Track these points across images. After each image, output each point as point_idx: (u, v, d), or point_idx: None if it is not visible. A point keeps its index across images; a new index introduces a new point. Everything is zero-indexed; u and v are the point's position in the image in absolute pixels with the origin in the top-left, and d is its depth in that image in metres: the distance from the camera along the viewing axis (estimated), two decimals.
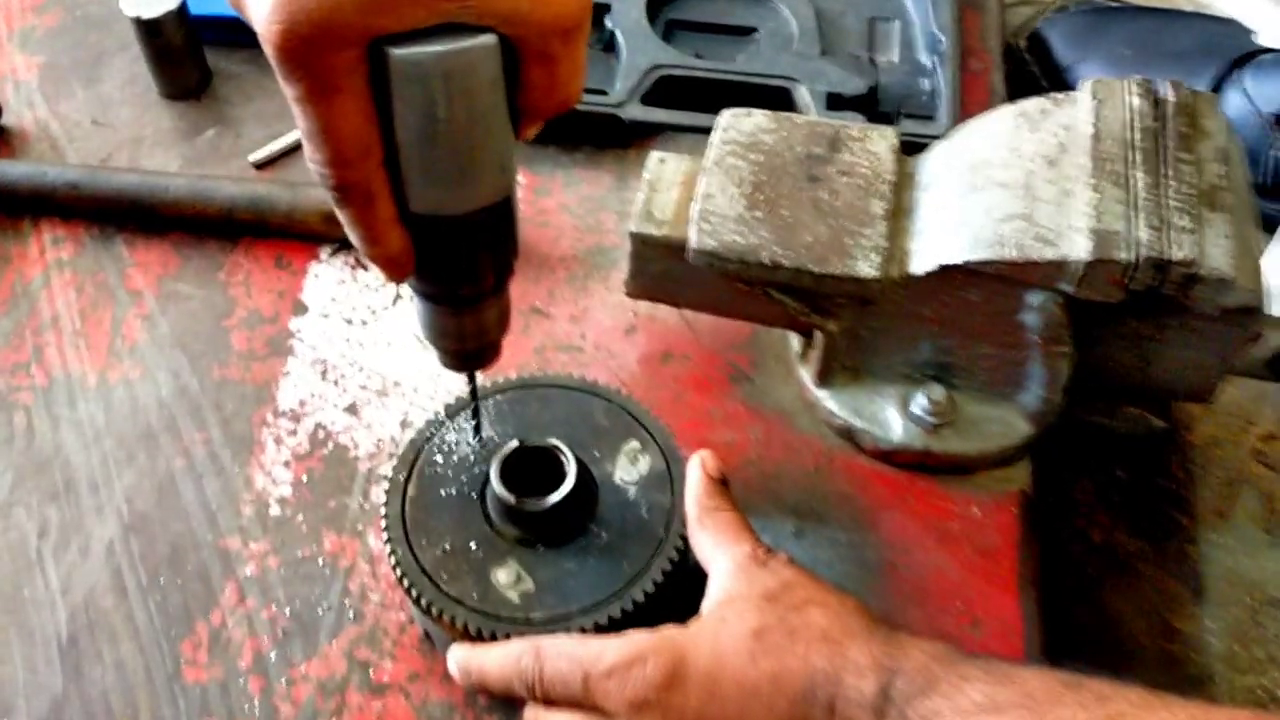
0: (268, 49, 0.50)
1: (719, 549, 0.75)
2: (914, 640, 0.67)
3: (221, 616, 0.82)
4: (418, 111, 0.53)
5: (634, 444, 0.82)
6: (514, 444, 0.79)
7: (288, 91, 0.52)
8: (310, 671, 0.80)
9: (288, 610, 0.82)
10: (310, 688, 0.79)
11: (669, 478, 0.80)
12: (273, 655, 0.80)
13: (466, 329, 0.68)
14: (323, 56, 0.50)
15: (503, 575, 0.77)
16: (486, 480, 0.78)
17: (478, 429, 0.80)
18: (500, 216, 0.61)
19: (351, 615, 0.82)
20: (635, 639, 0.69)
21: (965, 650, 0.67)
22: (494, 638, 0.74)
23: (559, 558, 0.77)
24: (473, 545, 0.78)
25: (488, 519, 0.79)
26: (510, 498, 0.76)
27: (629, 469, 0.81)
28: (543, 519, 0.77)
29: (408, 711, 0.78)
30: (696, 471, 0.79)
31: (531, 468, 0.79)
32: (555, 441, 0.79)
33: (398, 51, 0.51)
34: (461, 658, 0.75)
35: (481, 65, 0.53)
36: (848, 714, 0.65)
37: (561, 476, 0.77)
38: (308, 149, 0.54)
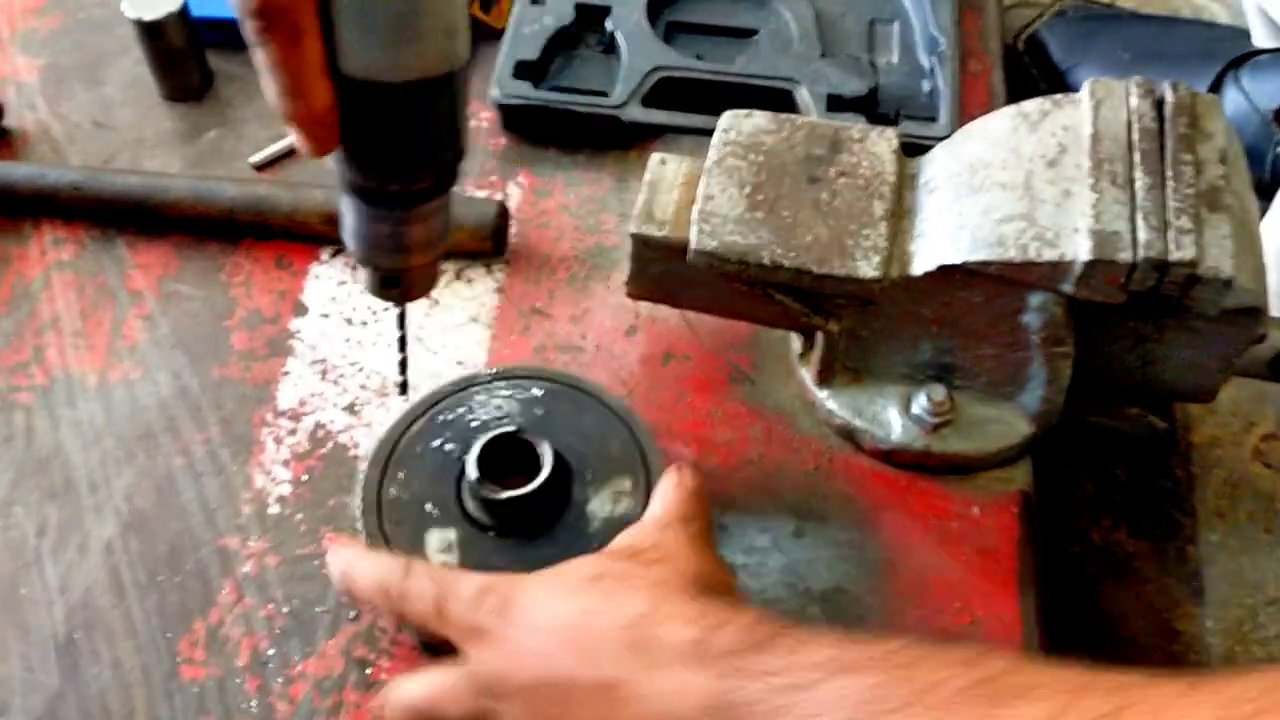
0: None
1: (652, 500, 0.76)
2: (758, 609, 0.64)
3: (219, 615, 0.82)
4: None
5: (626, 484, 0.81)
6: (510, 429, 0.80)
7: None
8: (308, 670, 0.80)
9: (286, 609, 0.82)
10: (308, 686, 0.79)
11: None
12: (270, 654, 0.80)
13: (399, 239, 0.60)
14: None
15: (435, 540, 0.78)
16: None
17: (403, 370, 0.77)
18: (443, 95, 0.53)
19: (349, 614, 0.82)
20: (492, 575, 0.69)
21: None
22: None
23: (495, 551, 0.78)
24: (429, 505, 0.80)
25: (457, 485, 0.80)
26: (473, 474, 0.77)
27: (606, 505, 0.80)
28: (491, 507, 0.78)
29: None
30: (673, 474, 0.78)
31: (516, 459, 0.79)
32: (547, 447, 0.79)
33: None
34: (341, 558, 0.75)
35: None
36: (654, 660, 0.61)
37: (532, 479, 0.77)
38: None
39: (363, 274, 0.64)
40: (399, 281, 0.64)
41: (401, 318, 0.73)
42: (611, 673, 0.62)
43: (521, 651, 0.65)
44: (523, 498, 0.78)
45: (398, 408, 0.87)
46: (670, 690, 0.60)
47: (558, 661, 0.64)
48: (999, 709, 0.51)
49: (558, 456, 0.80)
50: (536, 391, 0.86)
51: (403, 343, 0.74)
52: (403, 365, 0.76)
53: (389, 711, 0.71)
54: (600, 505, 0.80)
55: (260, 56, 0.51)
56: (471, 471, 0.78)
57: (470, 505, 0.80)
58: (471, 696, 0.67)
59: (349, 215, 0.60)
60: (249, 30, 0.50)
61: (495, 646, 0.67)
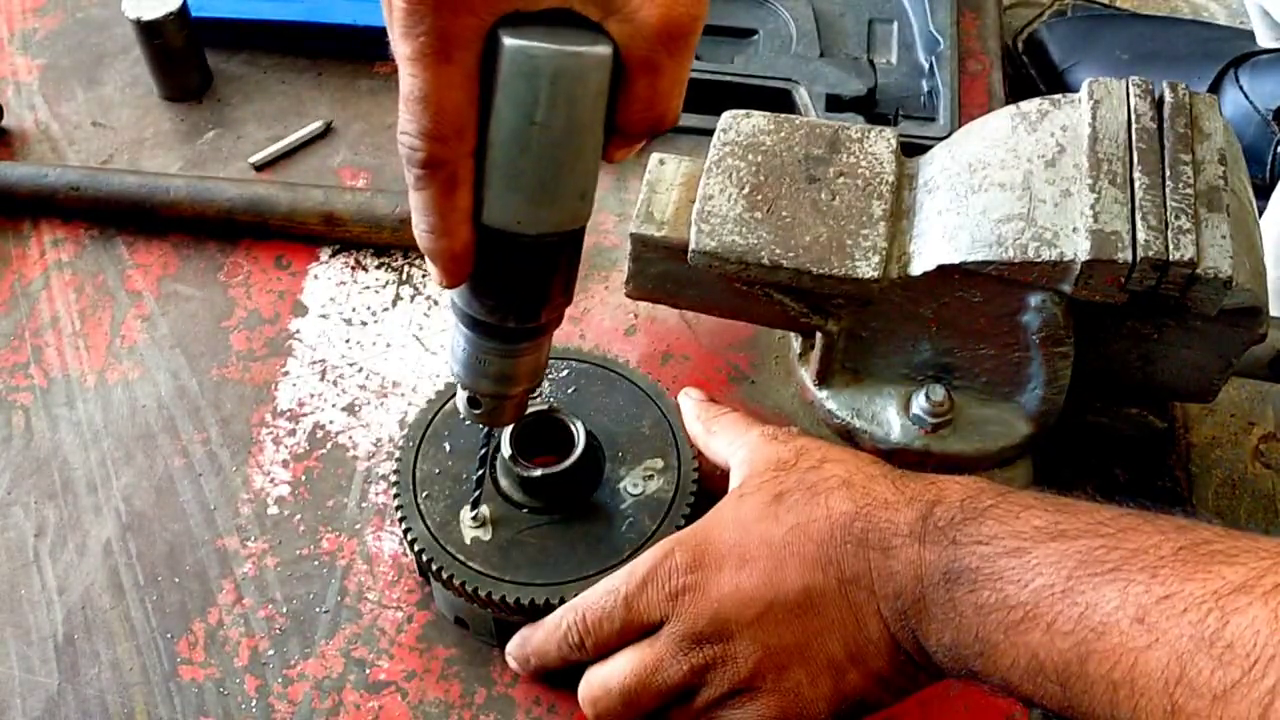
0: (388, 9, 0.51)
1: (732, 444, 0.76)
2: (948, 477, 0.66)
3: (219, 615, 0.82)
4: (518, 109, 0.53)
5: (658, 463, 0.82)
6: (544, 408, 0.81)
7: (399, 50, 0.52)
8: (307, 670, 0.80)
9: (285, 609, 0.82)
10: (307, 686, 0.79)
11: (667, 509, 0.80)
12: (269, 654, 0.80)
13: (505, 371, 0.65)
14: (446, 18, 0.51)
15: (469, 515, 0.78)
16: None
17: (479, 485, 0.79)
18: (569, 248, 0.59)
19: (348, 614, 0.82)
20: (659, 543, 0.70)
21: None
22: (417, 549, 0.77)
23: (528, 527, 0.79)
24: (464, 476, 0.80)
25: (491, 462, 0.81)
26: (508, 452, 0.78)
27: (639, 483, 0.81)
28: (526, 484, 0.79)
29: (404, 710, 0.78)
30: (688, 399, 0.83)
31: (550, 438, 0.80)
32: (580, 426, 0.80)
33: (512, 40, 0.51)
34: (513, 648, 0.76)
35: (592, 74, 0.52)
36: (883, 544, 0.64)
37: (565, 457, 0.79)
38: (404, 118, 0.54)
39: (459, 396, 0.69)
40: (490, 407, 0.68)
41: (487, 438, 0.76)
42: (853, 568, 0.64)
43: (740, 587, 0.66)
44: (556, 475, 0.78)
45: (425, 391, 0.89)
46: (904, 568, 0.63)
47: (787, 579, 0.65)
48: (1202, 571, 0.54)
49: (590, 435, 0.80)
50: (566, 371, 0.87)
51: (483, 460, 0.78)
52: (479, 481, 0.78)
53: (593, 706, 0.71)
54: (632, 483, 0.81)
55: (415, 199, 0.57)
56: (506, 449, 0.78)
57: (504, 482, 0.80)
58: (688, 656, 0.67)
59: (458, 342, 0.65)
60: (410, 176, 0.56)
61: (702, 598, 0.67)
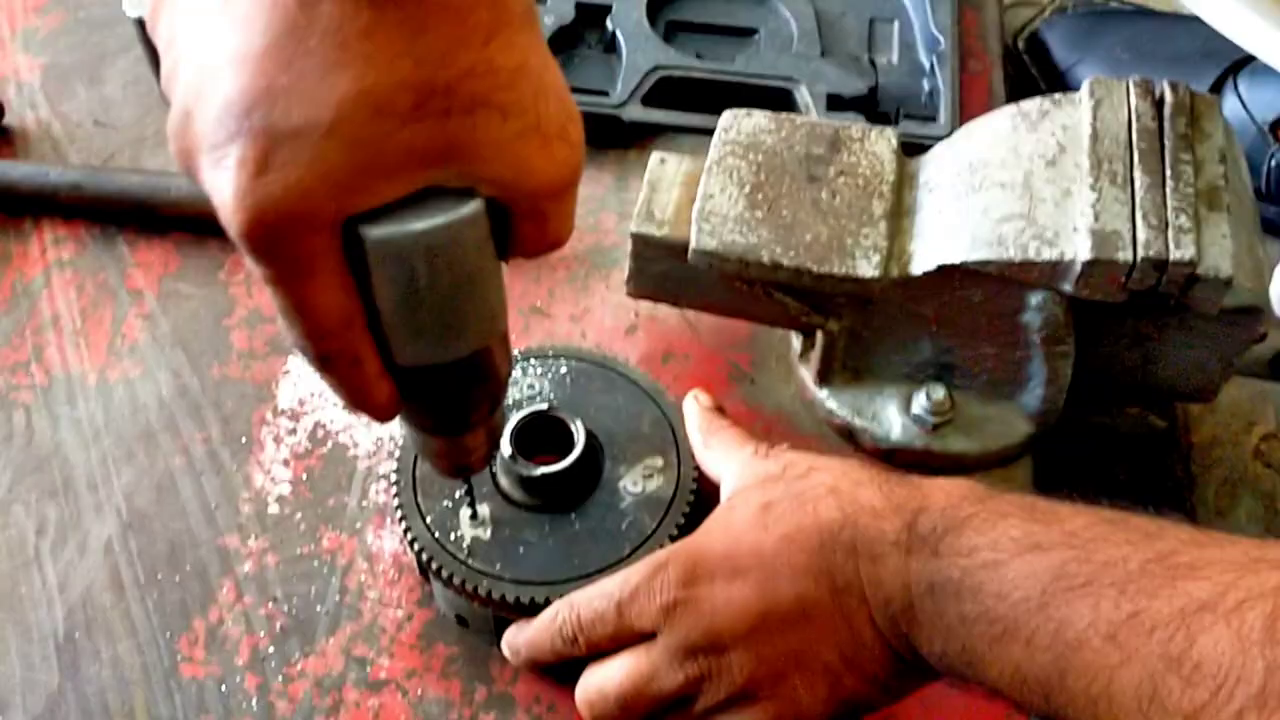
0: (233, 235, 0.46)
1: (724, 461, 0.76)
2: (933, 481, 0.66)
3: (219, 614, 0.82)
4: (398, 285, 0.50)
5: (658, 462, 0.82)
6: (543, 407, 0.81)
7: (257, 273, 0.48)
8: (307, 668, 0.80)
9: (285, 607, 0.82)
10: (307, 684, 0.79)
11: (667, 508, 0.80)
12: (270, 652, 0.80)
13: (455, 450, 0.65)
14: (293, 243, 0.46)
15: (467, 514, 0.78)
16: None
17: (474, 514, 0.79)
18: (490, 354, 0.57)
19: (349, 613, 0.82)
20: (652, 556, 0.70)
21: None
22: (416, 548, 0.77)
23: (527, 525, 0.79)
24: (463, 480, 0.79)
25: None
26: (507, 451, 0.78)
27: (639, 482, 0.81)
28: (525, 483, 0.79)
29: (405, 708, 0.78)
30: (694, 404, 0.82)
31: (549, 436, 0.80)
32: (579, 425, 0.80)
33: (374, 232, 0.48)
34: (508, 638, 0.76)
35: (465, 235, 0.49)
36: (871, 552, 0.63)
37: (564, 456, 0.79)
38: (283, 325, 0.51)
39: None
40: (455, 472, 0.68)
41: (469, 489, 0.77)
42: (844, 576, 0.64)
43: (733, 600, 0.66)
44: (556, 474, 0.78)
45: None
46: (892, 577, 0.63)
47: (779, 590, 0.65)
48: (1168, 587, 0.54)
49: (590, 434, 0.80)
50: (565, 370, 0.86)
51: (471, 499, 0.78)
52: (472, 502, 0.79)
53: (589, 709, 0.70)
54: (632, 481, 0.81)
55: (324, 380, 0.54)
56: (505, 448, 0.78)
57: (504, 481, 0.80)
58: (683, 667, 0.67)
59: (410, 434, 0.65)
60: (311, 366, 0.54)
61: (695, 612, 0.66)
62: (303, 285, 0.48)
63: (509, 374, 0.62)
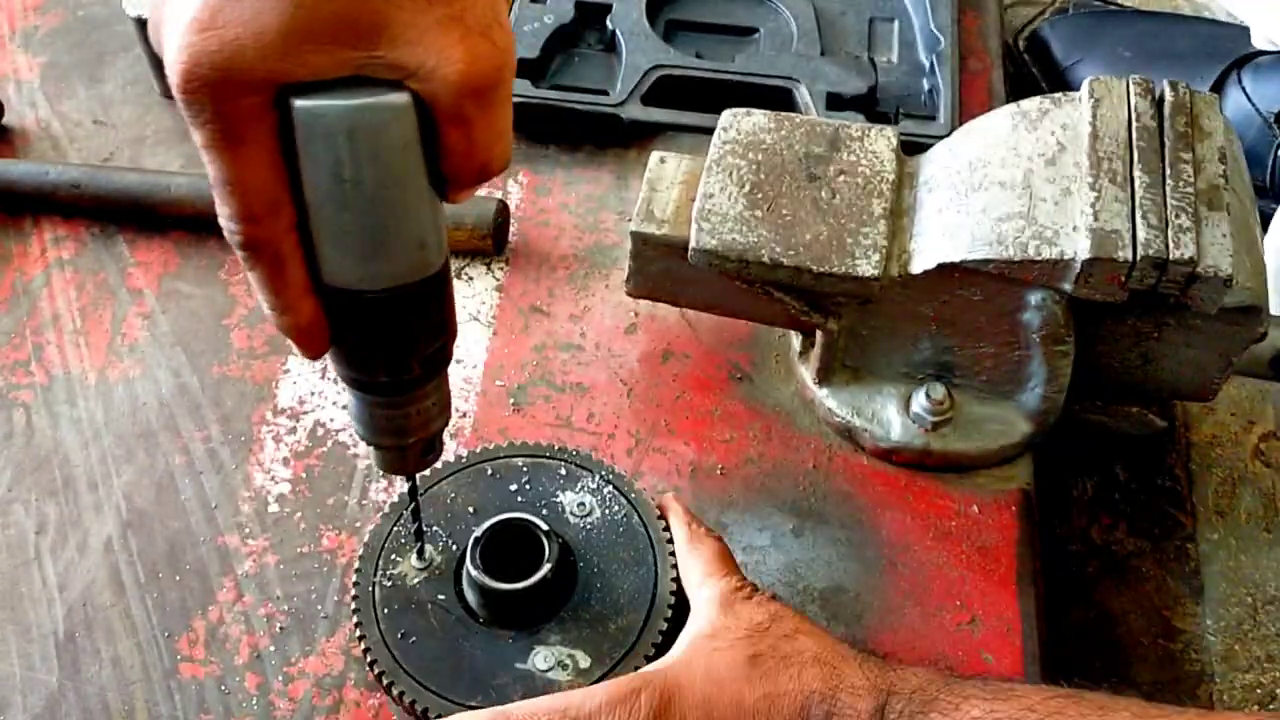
0: (174, 90, 0.49)
1: (706, 579, 0.75)
2: (907, 666, 0.68)
3: (219, 613, 0.82)
4: (324, 170, 0.51)
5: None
6: (509, 516, 0.78)
7: (195, 138, 0.50)
8: (307, 668, 0.80)
9: (285, 607, 0.82)
10: (307, 684, 0.79)
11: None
12: (270, 651, 0.80)
13: (397, 422, 0.63)
14: (226, 101, 0.48)
15: (415, 561, 0.78)
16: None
17: (419, 537, 0.77)
18: (423, 298, 0.56)
19: (348, 612, 0.82)
20: (621, 679, 0.68)
21: (961, 670, 0.70)
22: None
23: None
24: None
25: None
26: (477, 573, 0.75)
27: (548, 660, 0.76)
28: (488, 597, 0.76)
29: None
30: (678, 505, 0.80)
31: (518, 543, 0.78)
32: (544, 572, 0.76)
33: (301, 102, 0.49)
34: None
35: (392, 124, 0.50)
36: None
37: (534, 567, 0.76)
38: (216, 201, 0.52)
39: (371, 453, 0.68)
40: (391, 457, 0.67)
41: (413, 490, 0.75)
42: None
43: None
44: (521, 591, 0.75)
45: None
46: None
47: None
48: None
49: (562, 547, 0.78)
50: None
51: (417, 518, 0.76)
52: (419, 533, 0.77)
53: None
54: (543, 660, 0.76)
55: (250, 278, 0.55)
56: (479, 577, 0.75)
57: (469, 595, 0.78)
58: None
59: (350, 401, 0.64)
60: (239, 258, 0.54)
61: None
62: (234, 152, 0.50)
63: (448, 340, 0.60)
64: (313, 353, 0.58)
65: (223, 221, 0.52)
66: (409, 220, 0.53)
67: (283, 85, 0.49)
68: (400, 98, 0.50)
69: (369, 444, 0.66)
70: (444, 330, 0.60)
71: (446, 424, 0.66)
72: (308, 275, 0.55)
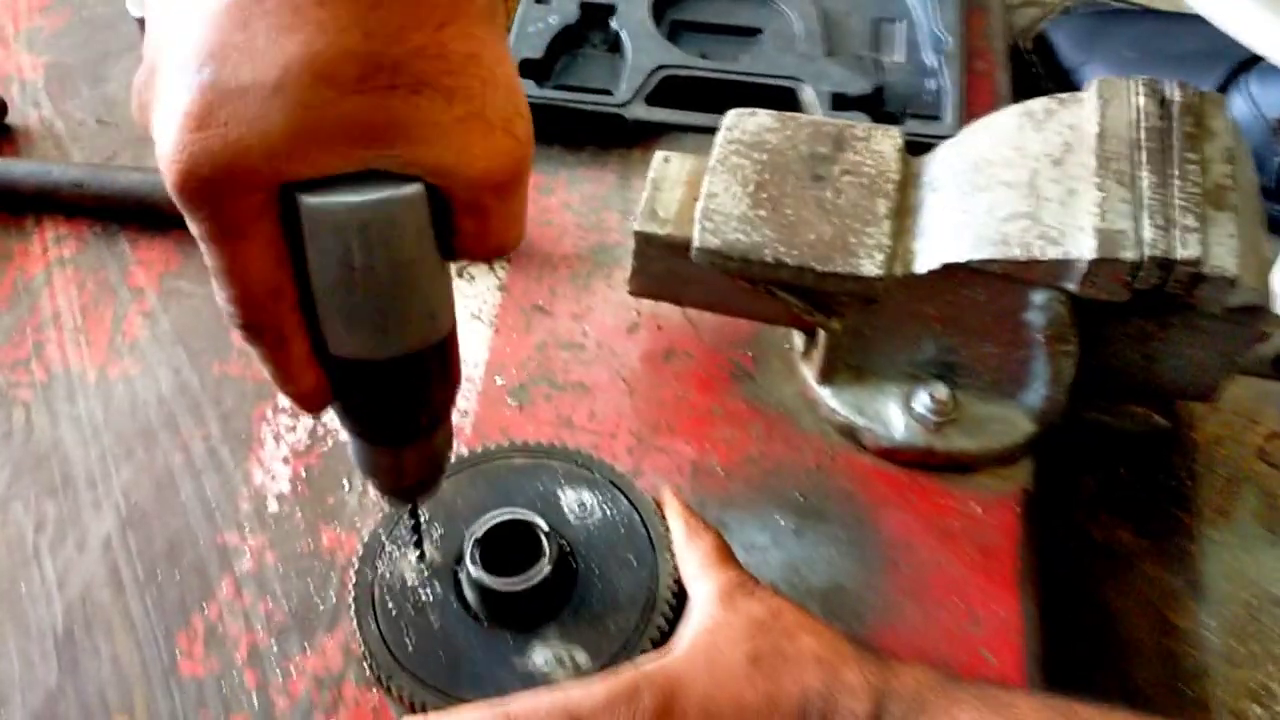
0: (168, 186, 0.46)
1: (705, 572, 0.75)
2: (905, 665, 0.68)
3: (218, 611, 0.82)
4: (332, 261, 0.49)
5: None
6: (508, 515, 0.77)
7: (192, 229, 0.48)
8: (307, 665, 0.79)
9: (285, 605, 0.82)
10: (307, 681, 0.79)
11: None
12: (269, 649, 0.80)
13: (399, 466, 0.62)
14: (226, 201, 0.46)
15: (413, 558, 0.77)
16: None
17: (419, 542, 0.77)
18: (431, 361, 0.55)
19: (348, 609, 0.81)
20: (621, 674, 0.67)
21: (959, 674, 0.68)
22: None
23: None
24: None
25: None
26: (474, 571, 0.75)
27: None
28: (487, 596, 0.76)
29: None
30: (675, 499, 0.80)
31: (517, 542, 0.77)
32: (552, 541, 0.76)
33: (310, 200, 0.47)
34: None
35: (404, 216, 0.48)
36: None
37: (533, 562, 0.75)
38: (215, 286, 0.50)
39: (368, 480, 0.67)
40: (401, 493, 0.66)
41: (416, 520, 0.75)
42: None
43: None
44: (519, 593, 0.75)
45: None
46: None
47: None
48: None
49: (561, 550, 0.77)
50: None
51: (416, 523, 0.76)
52: (418, 541, 0.77)
53: None
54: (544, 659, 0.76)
55: (251, 351, 0.53)
56: (481, 577, 0.74)
57: (468, 594, 0.77)
58: None
59: (350, 444, 0.63)
60: (238, 335, 0.52)
61: None
62: (233, 246, 0.48)
63: (454, 389, 0.60)
64: (315, 412, 0.57)
65: (221, 304, 0.50)
66: (419, 296, 0.52)
67: (289, 184, 0.47)
68: (414, 189, 0.48)
69: (367, 479, 0.65)
70: (450, 382, 0.59)
71: (448, 459, 0.66)
72: (310, 348, 0.53)
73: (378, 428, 0.60)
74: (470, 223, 0.50)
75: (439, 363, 0.56)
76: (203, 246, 0.48)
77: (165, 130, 0.46)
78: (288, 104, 0.44)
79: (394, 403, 0.57)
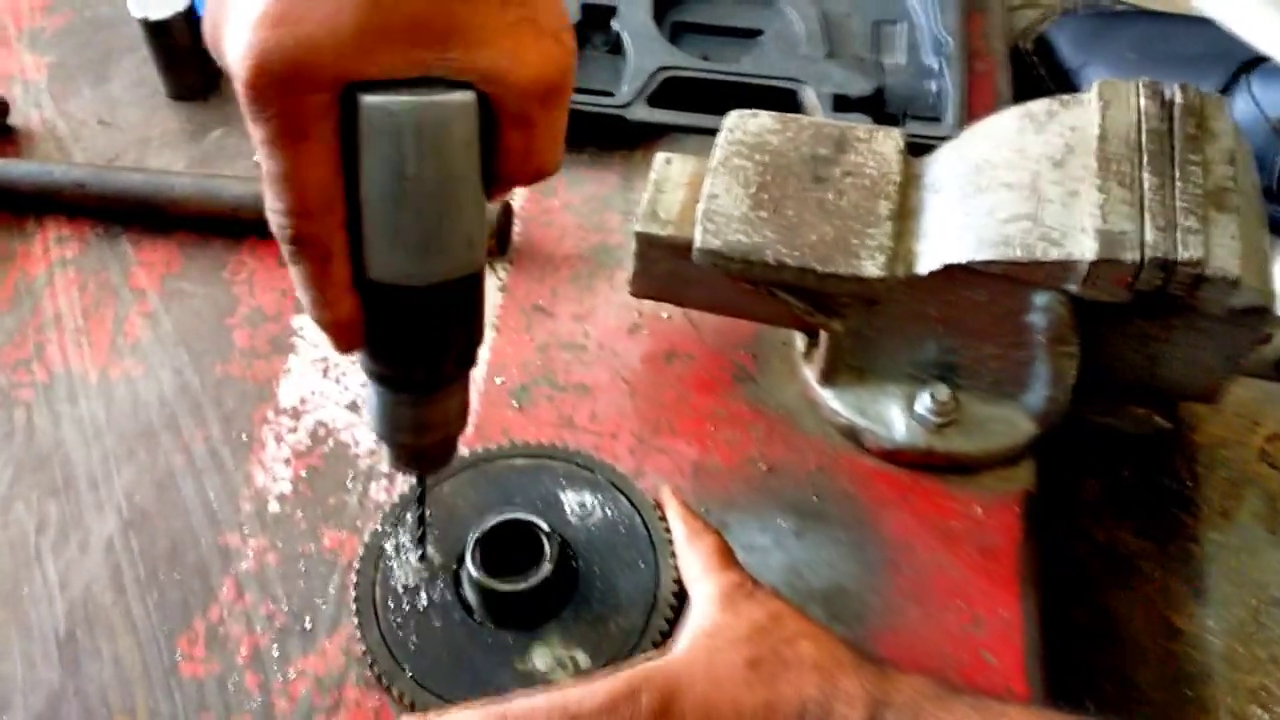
0: (238, 86, 0.48)
1: (706, 574, 0.75)
2: (902, 674, 0.68)
3: (220, 612, 0.82)
4: (386, 166, 0.51)
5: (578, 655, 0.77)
6: (510, 516, 0.78)
7: (254, 133, 0.50)
8: (308, 667, 0.79)
9: (286, 606, 0.82)
10: (308, 683, 0.78)
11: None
12: (271, 651, 0.80)
13: (421, 419, 0.63)
14: (294, 98, 0.48)
15: (414, 557, 0.78)
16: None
17: (422, 540, 0.77)
18: (464, 294, 0.57)
19: (349, 611, 0.81)
20: (620, 674, 0.67)
21: (956, 682, 0.68)
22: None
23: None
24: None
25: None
26: (474, 571, 0.75)
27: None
28: (488, 597, 0.76)
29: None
30: (675, 499, 0.81)
31: (518, 542, 0.77)
32: (554, 541, 0.76)
33: (370, 98, 0.49)
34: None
35: (456, 122, 0.51)
36: None
37: (535, 565, 0.75)
38: (268, 196, 0.52)
39: (383, 449, 0.67)
40: (409, 455, 0.66)
41: (421, 494, 0.75)
42: None
43: None
44: (521, 593, 0.75)
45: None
46: None
47: None
48: None
49: (563, 549, 0.78)
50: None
51: (421, 519, 0.76)
52: (421, 539, 0.77)
53: None
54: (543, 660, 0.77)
55: (293, 273, 0.55)
56: (480, 577, 0.75)
57: (468, 594, 0.78)
58: None
59: (371, 397, 0.63)
60: (283, 251, 0.54)
61: None
62: (296, 149, 0.50)
63: (479, 338, 0.61)
64: (347, 347, 0.58)
65: (272, 215, 0.52)
66: (462, 218, 0.54)
67: (351, 85, 0.49)
68: (467, 96, 0.50)
69: (385, 440, 0.65)
70: (477, 328, 0.60)
71: (464, 428, 0.66)
72: (351, 271, 0.54)
73: (406, 366, 0.60)
74: (516, 137, 0.52)
75: (470, 300, 0.58)
76: (263, 152, 0.50)
77: (239, 33, 0.48)
78: (357, 3, 0.47)
79: (426, 337, 0.58)
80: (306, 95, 0.48)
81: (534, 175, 0.55)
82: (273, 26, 0.47)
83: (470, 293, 0.57)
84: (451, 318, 0.58)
